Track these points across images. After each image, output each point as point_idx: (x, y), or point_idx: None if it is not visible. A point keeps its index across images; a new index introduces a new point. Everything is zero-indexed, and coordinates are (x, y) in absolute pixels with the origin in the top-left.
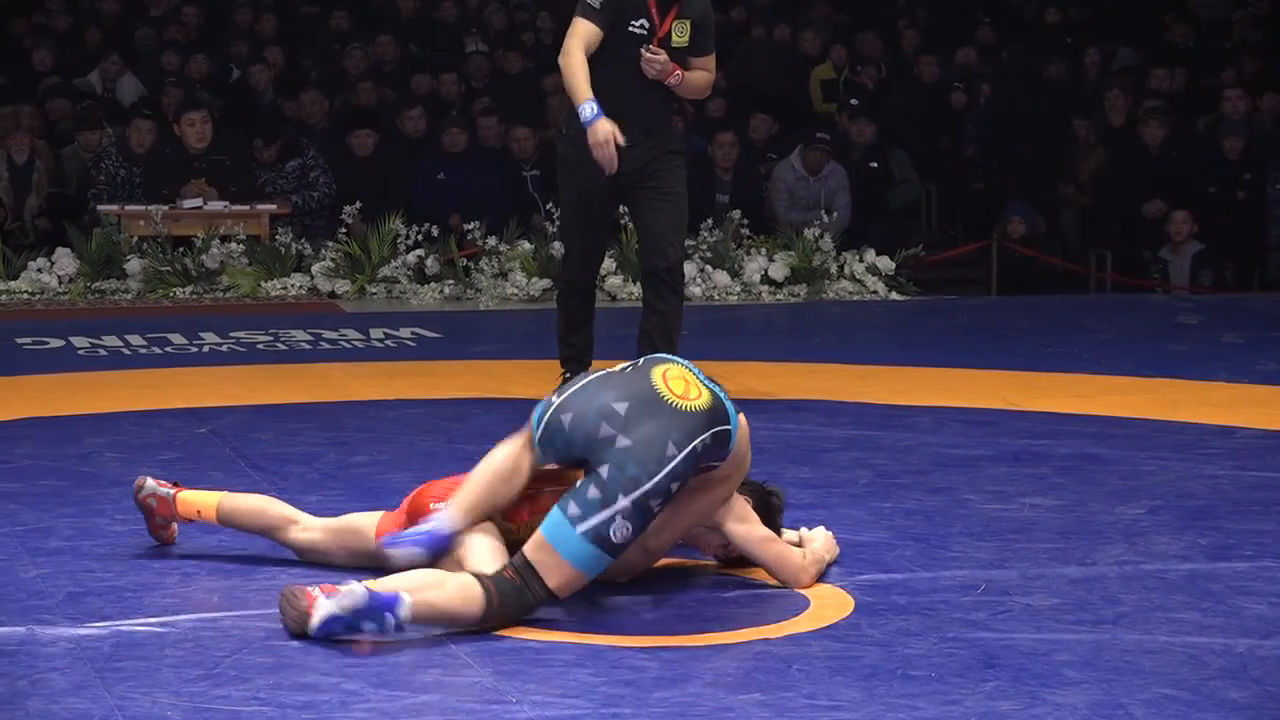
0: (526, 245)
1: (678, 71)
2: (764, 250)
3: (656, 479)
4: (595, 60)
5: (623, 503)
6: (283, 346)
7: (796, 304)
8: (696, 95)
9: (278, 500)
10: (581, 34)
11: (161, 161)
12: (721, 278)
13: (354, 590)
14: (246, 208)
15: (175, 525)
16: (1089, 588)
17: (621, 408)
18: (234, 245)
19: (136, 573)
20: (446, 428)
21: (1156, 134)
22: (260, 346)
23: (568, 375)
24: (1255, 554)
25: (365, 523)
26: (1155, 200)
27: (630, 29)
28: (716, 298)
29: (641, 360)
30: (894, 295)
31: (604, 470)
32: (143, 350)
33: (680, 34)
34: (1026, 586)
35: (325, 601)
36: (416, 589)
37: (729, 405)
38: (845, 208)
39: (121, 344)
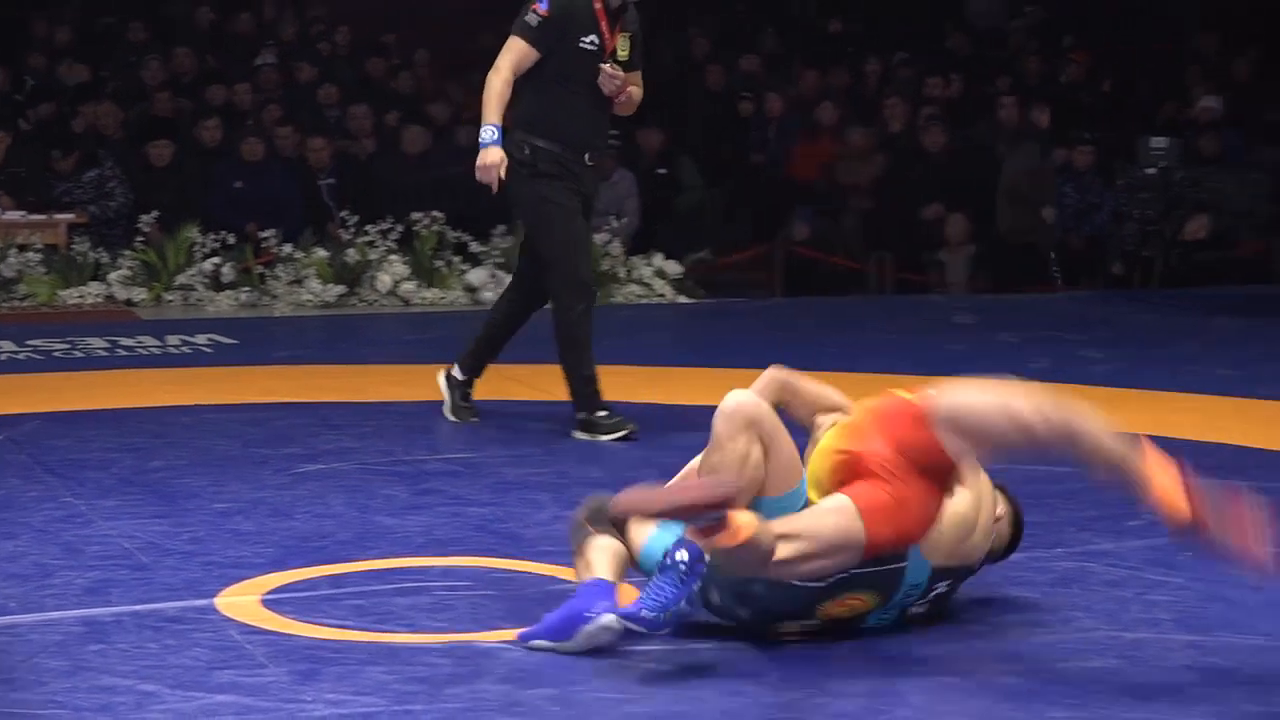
0: (322, 252)
1: (628, 88)
2: None
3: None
4: (543, 80)
5: None
6: (80, 354)
7: None
8: (629, 111)
9: None
10: (514, 54)
11: None
12: None
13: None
14: (44, 217)
15: None
16: None
17: None
18: (31, 254)
19: None
20: (243, 432)
21: (936, 140)
22: (57, 354)
23: (606, 412)
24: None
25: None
26: (934, 204)
27: (581, 46)
28: None
29: None
30: (681, 298)
31: None
32: None
33: (623, 49)
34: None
35: None
36: None
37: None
38: (634, 213)
39: None
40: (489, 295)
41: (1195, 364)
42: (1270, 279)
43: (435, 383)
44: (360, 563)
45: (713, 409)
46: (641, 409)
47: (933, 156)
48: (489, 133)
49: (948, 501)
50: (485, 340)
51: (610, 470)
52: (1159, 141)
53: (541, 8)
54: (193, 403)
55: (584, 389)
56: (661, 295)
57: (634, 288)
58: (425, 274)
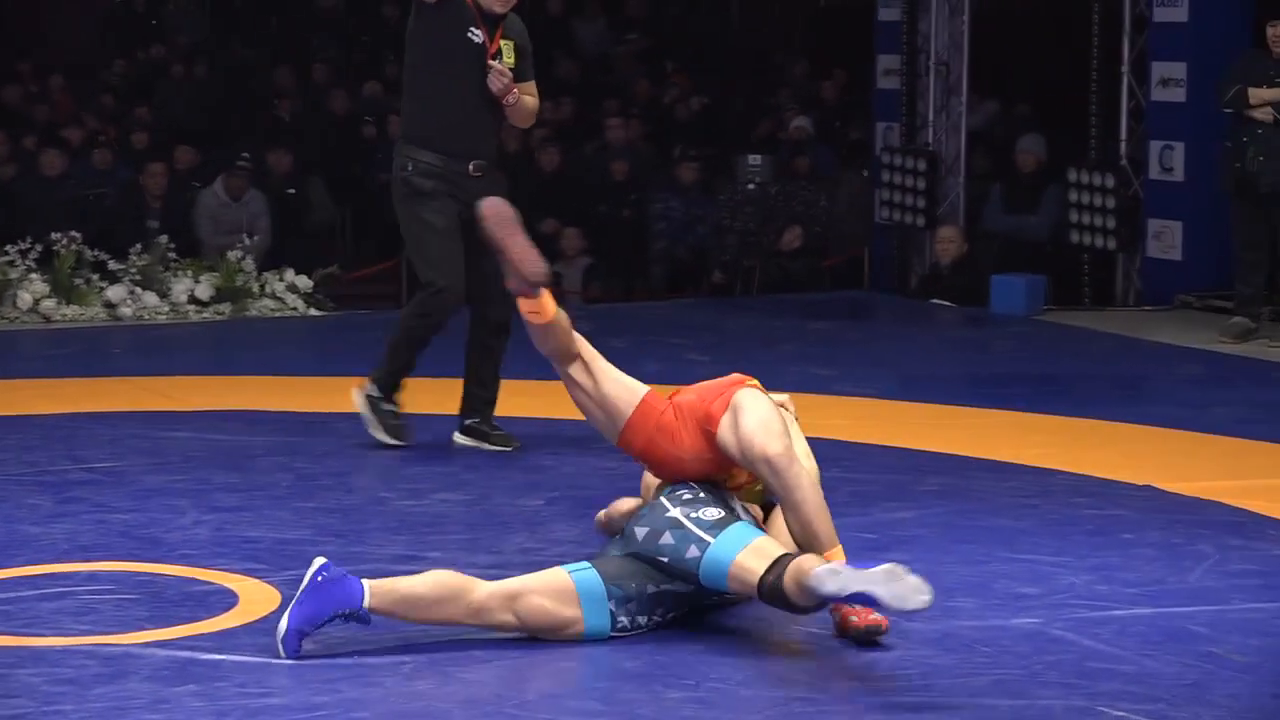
0: None
1: (515, 90)
2: (190, 272)
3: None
4: (426, 80)
5: (674, 510)
6: None
7: (222, 321)
8: (524, 123)
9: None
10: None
11: None
12: (151, 298)
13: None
14: None
15: None
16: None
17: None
18: None
19: None
20: None
21: (550, 159)
22: None
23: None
24: None
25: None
26: (548, 219)
27: (469, 36)
28: (146, 317)
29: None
30: (312, 311)
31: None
32: None
33: (508, 54)
34: None
35: None
36: None
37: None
38: (265, 231)
39: None
40: (127, 311)
41: (794, 365)
42: (859, 285)
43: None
44: (5, 570)
45: (346, 415)
46: (277, 417)
47: (548, 175)
48: None
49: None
50: (474, 382)
51: (248, 476)
52: (755, 159)
53: None
54: None
55: (390, 380)
56: (294, 309)
57: (267, 302)
58: (65, 291)
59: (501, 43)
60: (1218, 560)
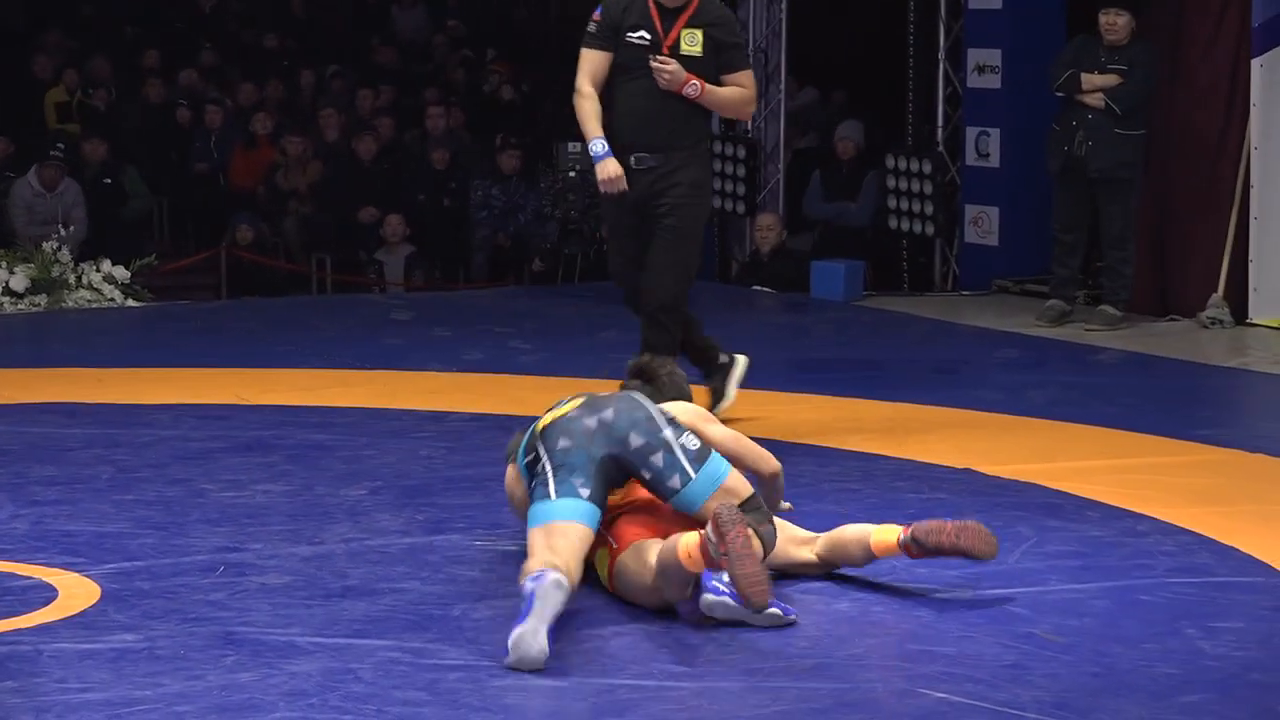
0: None
1: (693, 81)
2: (4, 263)
3: (651, 407)
4: (612, 83)
5: (668, 431)
6: None
7: (38, 313)
8: (732, 113)
9: None
10: (584, 65)
11: None
12: None
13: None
14: None
15: None
16: (319, 564)
17: (576, 405)
18: None
19: None
20: None
21: (369, 148)
22: None
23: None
24: (468, 526)
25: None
26: (368, 207)
27: (629, 40)
28: None
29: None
30: (130, 302)
31: (634, 440)
32: None
33: (691, 43)
34: (261, 566)
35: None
36: None
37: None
38: (81, 221)
39: None
40: None
41: (616, 352)
42: None
43: None
44: None
45: (166, 406)
46: (95, 409)
47: (367, 163)
48: (596, 147)
49: None
50: (694, 351)
51: (66, 469)
52: (575, 146)
53: (596, 14)
54: None
55: (703, 358)
56: (111, 300)
57: (84, 293)
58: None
59: (683, 32)
60: (1036, 542)
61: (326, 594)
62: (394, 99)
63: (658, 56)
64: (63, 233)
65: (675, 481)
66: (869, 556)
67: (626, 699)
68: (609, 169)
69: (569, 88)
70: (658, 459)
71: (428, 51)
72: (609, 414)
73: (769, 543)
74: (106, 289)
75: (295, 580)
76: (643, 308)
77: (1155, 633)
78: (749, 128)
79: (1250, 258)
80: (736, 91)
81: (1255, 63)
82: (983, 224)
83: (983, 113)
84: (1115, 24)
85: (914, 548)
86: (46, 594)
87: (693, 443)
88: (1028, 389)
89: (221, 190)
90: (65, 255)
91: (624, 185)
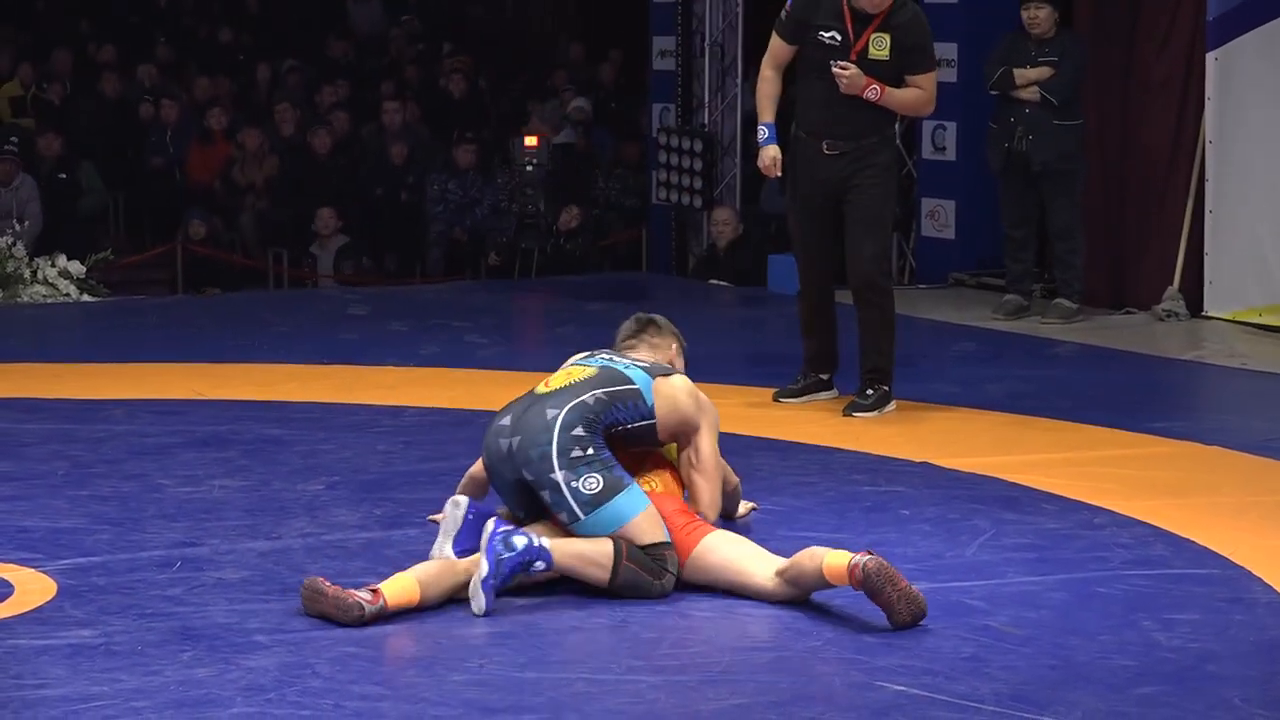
0: None
1: (873, 85)
2: None
3: (556, 441)
4: (798, 70)
5: (559, 474)
6: None
7: None
8: (911, 112)
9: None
10: (770, 50)
11: None
12: None
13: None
14: None
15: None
16: (276, 559)
17: (506, 420)
18: None
19: None
20: None
21: (325, 142)
22: None
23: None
24: (425, 521)
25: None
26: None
27: (820, 38)
28: None
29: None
30: (86, 297)
31: (527, 474)
32: None
33: (879, 47)
34: (218, 562)
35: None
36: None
37: (633, 372)
38: (37, 216)
39: None
40: None
41: (572, 346)
42: (638, 266)
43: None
44: None
45: (121, 402)
46: (50, 405)
47: (323, 158)
48: (762, 132)
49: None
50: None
51: (21, 464)
52: (532, 140)
53: (788, 5)
54: None
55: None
56: (67, 295)
57: (39, 288)
58: None
59: (873, 37)
60: (993, 535)
61: (284, 589)
62: (350, 93)
63: (838, 62)
64: (18, 228)
65: (564, 518)
66: (823, 582)
67: (584, 691)
68: (767, 155)
69: (527, 84)
70: (546, 495)
71: (384, 46)
72: (516, 440)
73: (661, 594)
74: (62, 284)
75: (252, 575)
76: (852, 286)
77: (1112, 625)
78: (705, 122)
79: (1205, 251)
80: (915, 93)
81: (1210, 56)
82: (939, 217)
83: (939, 106)
84: (1037, 18)
85: (859, 574)
86: (2, 590)
87: (591, 485)
88: (985, 382)
89: (178, 185)
90: (20, 250)
91: (778, 172)
